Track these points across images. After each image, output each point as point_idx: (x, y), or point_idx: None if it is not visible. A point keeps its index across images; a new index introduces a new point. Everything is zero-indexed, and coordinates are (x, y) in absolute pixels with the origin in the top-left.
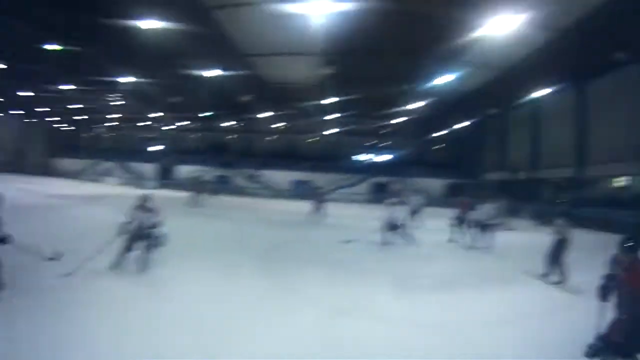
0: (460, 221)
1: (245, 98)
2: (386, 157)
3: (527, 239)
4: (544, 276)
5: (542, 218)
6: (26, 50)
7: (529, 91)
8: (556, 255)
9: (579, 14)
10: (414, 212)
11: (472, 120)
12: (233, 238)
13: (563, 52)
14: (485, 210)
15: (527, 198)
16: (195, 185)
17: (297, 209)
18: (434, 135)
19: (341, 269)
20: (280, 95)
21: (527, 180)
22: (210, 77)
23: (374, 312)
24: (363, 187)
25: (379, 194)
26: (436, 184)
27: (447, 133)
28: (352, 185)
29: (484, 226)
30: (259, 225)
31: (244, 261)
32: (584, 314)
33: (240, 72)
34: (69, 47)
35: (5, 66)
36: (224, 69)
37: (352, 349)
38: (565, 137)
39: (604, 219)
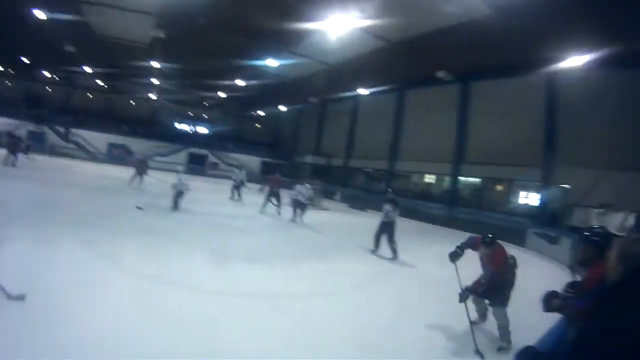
0: (273, 195)
1: (71, 48)
2: (207, 129)
3: (340, 219)
4: (373, 252)
5: (353, 202)
6: None
7: (353, 88)
8: (385, 235)
9: (412, 33)
10: (239, 187)
11: (294, 106)
12: (44, 204)
13: (391, 61)
14: (301, 189)
15: (339, 183)
16: (9, 142)
17: (114, 174)
18: (256, 114)
19: (159, 238)
20: (108, 51)
21: (340, 167)
22: (36, 19)
23: (192, 282)
24: (181, 157)
25: (196, 165)
26: (252, 161)
27: (268, 114)
28: (171, 153)
29: (300, 204)
30: (75, 189)
31: (55, 228)
32: (411, 279)
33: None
34: None
35: None
36: (50, 11)
37: (171, 319)
38: (381, 134)
39: (414, 208)
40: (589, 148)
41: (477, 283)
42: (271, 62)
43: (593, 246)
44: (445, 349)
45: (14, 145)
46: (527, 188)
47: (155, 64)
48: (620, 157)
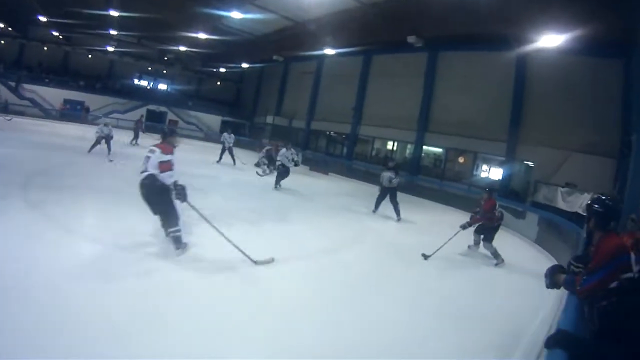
0: (270, 162)
1: None
2: (166, 86)
3: (307, 182)
4: (373, 212)
5: (314, 165)
6: None
7: (318, 47)
8: (389, 199)
9: None
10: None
11: (257, 64)
12: None
13: (361, 22)
14: (286, 153)
15: (300, 145)
16: None
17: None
18: (217, 71)
19: (115, 197)
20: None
21: (302, 130)
22: None
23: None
24: (138, 114)
25: (154, 123)
26: (211, 120)
27: (230, 72)
28: (129, 110)
29: (285, 168)
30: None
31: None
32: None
33: None
34: None
35: None
36: None
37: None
38: (345, 97)
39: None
40: (555, 128)
41: (473, 218)
42: (235, 15)
43: (602, 217)
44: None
45: None
46: (490, 162)
47: (113, 14)
48: (584, 140)
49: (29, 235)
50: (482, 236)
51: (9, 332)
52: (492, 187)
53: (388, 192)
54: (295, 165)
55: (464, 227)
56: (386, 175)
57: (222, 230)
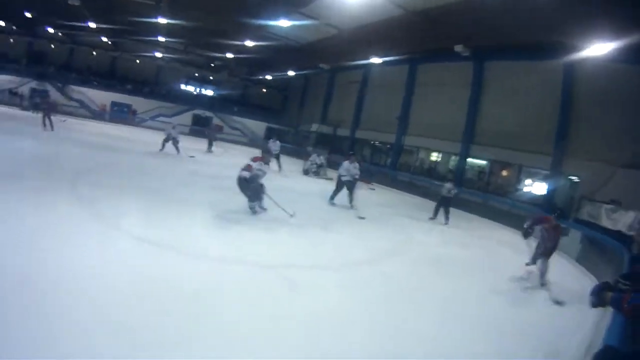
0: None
1: (75, 2)
2: (213, 91)
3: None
4: (431, 219)
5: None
6: None
7: (364, 56)
8: (444, 206)
9: (431, 3)
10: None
11: (303, 71)
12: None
13: (407, 30)
14: (349, 167)
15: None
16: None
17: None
18: (262, 77)
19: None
20: (113, 7)
21: (346, 138)
22: None
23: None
24: (184, 118)
25: (200, 127)
26: (256, 126)
27: (276, 79)
28: (175, 114)
29: (350, 184)
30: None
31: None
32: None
33: None
34: None
35: None
36: None
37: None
38: (391, 106)
39: (419, 185)
40: (602, 142)
41: (540, 247)
42: (282, 23)
43: None
44: None
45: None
46: (534, 175)
47: (162, 21)
48: (633, 154)
49: (77, 229)
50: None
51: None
52: (560, 211)
53: (445, 201)
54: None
55: (531, 262)
56: (447, 185)
57: (266, 234)
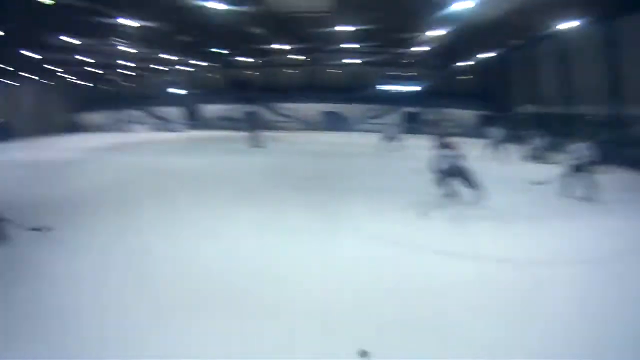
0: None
1: (258, 31)
2: (412, 87)
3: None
4: None
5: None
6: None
7: (554, 24)
8: None
9: None
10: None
11: (497, 51)
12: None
13: None
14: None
15: (564, 134)
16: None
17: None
18: (458, 64)
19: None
20: (294, 26)
21: (562, 116)
22: (215, 11)
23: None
24: (392, 118)
25: (413, 124)
26: (464, 115)
27: (471, 63)
28: (382, 115)
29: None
30: (320, 157)
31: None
32: None
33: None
34: None
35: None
36: (230, 3)
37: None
38: (595, 73)
39: None
40: None
41: None
42: (464, 4)
43: None
44: None
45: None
46: None
47: (340, 29)
48: None
49: (308, 232)
50: None
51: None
52: None
53: None
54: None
55: None
56: None
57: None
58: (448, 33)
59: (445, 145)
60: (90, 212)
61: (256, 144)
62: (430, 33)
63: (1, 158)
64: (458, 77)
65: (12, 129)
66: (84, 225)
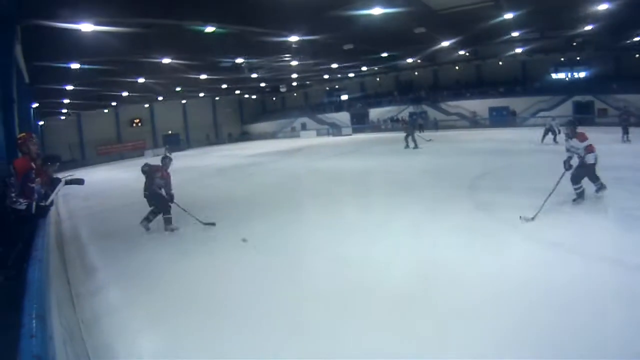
0: None
1: (419, 30)
2: (584, 72)
3: None
4: None
5: None
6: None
7: None
8: None
9: None
10: None
11: None
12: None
13: None
14: None
15: None
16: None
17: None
18: (633, 41)
19: None
20: (452, 22)
21: None
22: (374, 16)
23: None
24: (565, 109)
25: (585, 115)
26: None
27: None
28: (553, 107)
29: None
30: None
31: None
32: None
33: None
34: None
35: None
36: (384, 6)
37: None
38: None
39: None
40: None
41: None
42: None
43: None
44: None
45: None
46: None
47: (508, 16)
48: None
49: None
50: None
51: None
52: None
53: None
54: None
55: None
56: None
57: None
58: (616, 6)
59: (571, 136)
60: (254, 210)
61: (414, 144)
62: (597, 8)
63: (177, 164)
64: (633, 56)
65: (186, 139)
66: (244, 222)
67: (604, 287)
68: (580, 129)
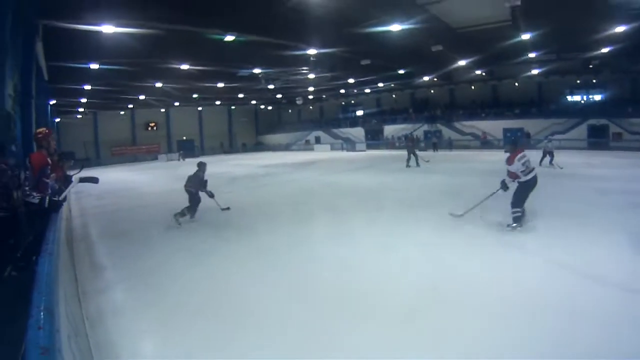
0: None
1: (436, 48)
2: (599, 95)
3: None
4: None
5: None
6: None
7: None
8: None
9: None
10: None
11: None
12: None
13: None
14: None
15: None
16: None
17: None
18: None
19: None
20: (470, 41)
21: None
22: (392, 32)
23: None
24: (579, 132)
25: (599, 139)
26: None
27: None
28: (567, 130)
29: None
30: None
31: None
32: None
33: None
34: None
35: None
36: (403, 22)
37: None
38: None
39: None
40: None
41: None
42: None
43: None
44: None
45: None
46: None
47: (525, 36)
48: None
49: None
50: None
51: None
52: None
53: None
54: None
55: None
56: None
57: None
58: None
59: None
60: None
61: (417, 162)
62: (615, 30)
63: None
64: None
65: (200, 146)
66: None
67: None
68: (556, 153)
